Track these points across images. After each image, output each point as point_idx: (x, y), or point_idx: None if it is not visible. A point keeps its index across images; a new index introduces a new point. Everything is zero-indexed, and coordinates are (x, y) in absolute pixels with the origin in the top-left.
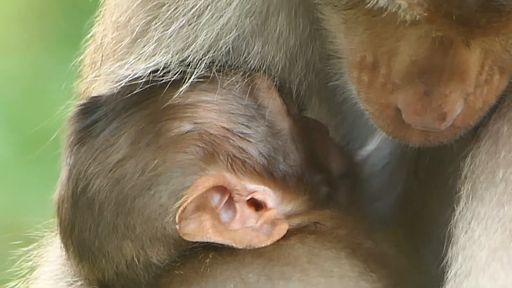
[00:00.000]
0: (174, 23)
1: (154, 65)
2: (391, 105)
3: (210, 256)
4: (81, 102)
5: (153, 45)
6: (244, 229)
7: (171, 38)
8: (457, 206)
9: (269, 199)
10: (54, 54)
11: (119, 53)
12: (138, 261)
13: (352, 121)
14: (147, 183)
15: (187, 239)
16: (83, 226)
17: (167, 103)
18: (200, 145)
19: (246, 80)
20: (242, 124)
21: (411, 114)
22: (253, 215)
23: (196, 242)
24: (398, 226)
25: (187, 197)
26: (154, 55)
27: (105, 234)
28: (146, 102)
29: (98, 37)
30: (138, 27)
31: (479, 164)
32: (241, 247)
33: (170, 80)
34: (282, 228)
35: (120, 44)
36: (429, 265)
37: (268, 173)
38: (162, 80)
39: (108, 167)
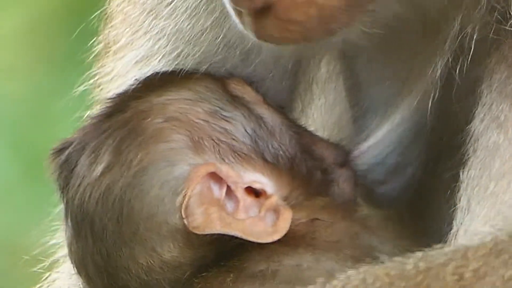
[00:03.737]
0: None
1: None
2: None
3: (231, 276)
4: (54, 147)
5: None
6: (250, 219)
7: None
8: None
9: (267, 186)
10: (59, 76)
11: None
12: (153, 264)
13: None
14: (136, 179)
15: (197, 232)
16: (95, 258)
17: (138, 108)
18: (181, 132)
19: (217, 78)
20: (221, 108)
21: None
22: (255, 203)
23: (207, 235)
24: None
25: (186, 191)
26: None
27: (115, 248)
28: (117, 115)
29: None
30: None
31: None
32: (251, 239)
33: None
34: (287, 218)
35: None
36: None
37: (258, 155)
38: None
39: (95, 177)
